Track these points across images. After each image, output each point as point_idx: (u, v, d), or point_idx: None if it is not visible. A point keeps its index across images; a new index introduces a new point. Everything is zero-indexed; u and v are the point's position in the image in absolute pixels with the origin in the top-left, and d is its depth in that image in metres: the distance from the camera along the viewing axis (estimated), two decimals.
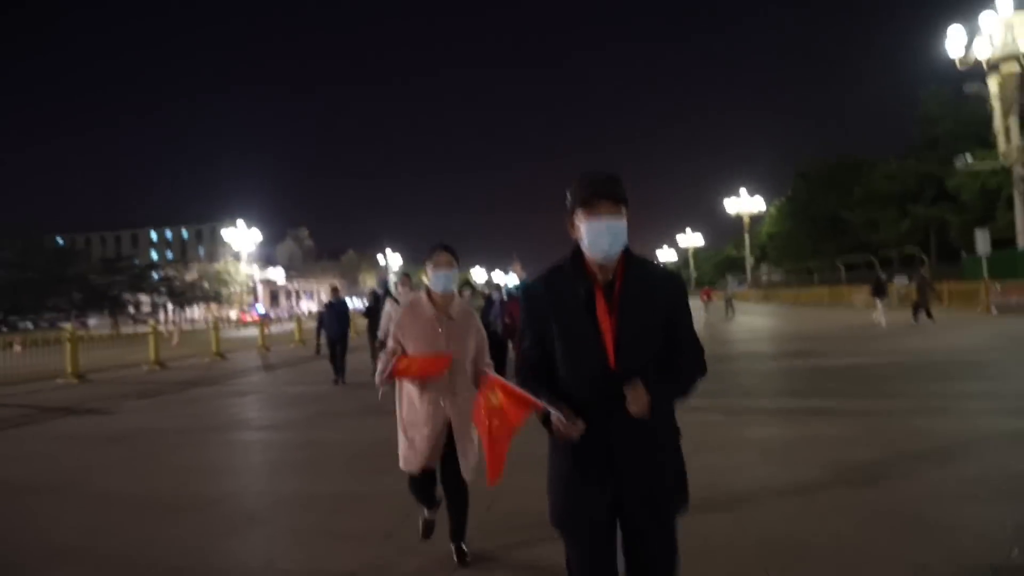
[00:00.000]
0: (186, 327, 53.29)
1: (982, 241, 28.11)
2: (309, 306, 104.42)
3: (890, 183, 49.62)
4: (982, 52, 27.92)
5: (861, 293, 37.47)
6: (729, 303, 35.91)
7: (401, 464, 3.78)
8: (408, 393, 3.77)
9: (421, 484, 3.83)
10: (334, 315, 13.10)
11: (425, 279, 3.79)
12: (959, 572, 3.42)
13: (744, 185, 67.99)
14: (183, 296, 73.55)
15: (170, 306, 76.39)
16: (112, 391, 13.44)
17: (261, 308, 77.47)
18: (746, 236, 69.14)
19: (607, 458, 2.18)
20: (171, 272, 73.17)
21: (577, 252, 2.25)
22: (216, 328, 21.62)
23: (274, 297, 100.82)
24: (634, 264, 2.24)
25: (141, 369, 17.68)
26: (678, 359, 2.23)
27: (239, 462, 7.20)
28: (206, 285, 73.92)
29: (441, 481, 3.80)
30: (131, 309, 70.11)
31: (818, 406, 8.08)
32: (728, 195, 68.94)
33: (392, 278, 14.45)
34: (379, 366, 3.71)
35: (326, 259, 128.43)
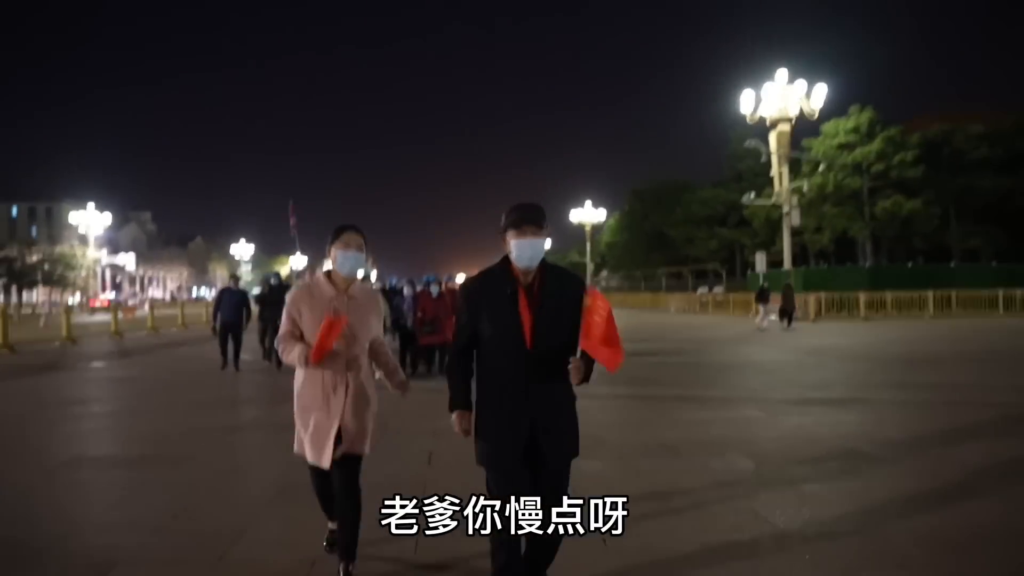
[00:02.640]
0: (25, 312, 51.23)
1: (760, 262, 35.75)
2: (154, 293, 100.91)
3: (703, 207, 57.12)
4: (766, 111, 33.98)
5: (675, 300, 43.75)
6: None
7: (295, 448, 3.52)
8: (301, 375, 3.50)
9: (320, 479, 3.55)
10: (231, 302, 13.16)
11: (328, 262, 3.56)
12: None
13: (586, 197, 73.73)
14: (24, 279, 69.63)
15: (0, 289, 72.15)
16: None
17: (111, 294, 74.90)
18: (587, 244, 75.15)
19: (523, 419, 2.82)
20: (11, 253, 68.97)
21: (506, 260, 2.90)
22: (68, 312, 22.94)
23: (117, 284, 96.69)
24: (550, 271, 2.90)
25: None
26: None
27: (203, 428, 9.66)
28: (46, 267, 70.35)
29: (333, 478, 3.45)
30: None
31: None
32: (572, 205, 74.58)
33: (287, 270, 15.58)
34: (281, 348, 3.41)
35: (174, 245, 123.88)
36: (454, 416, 2.95)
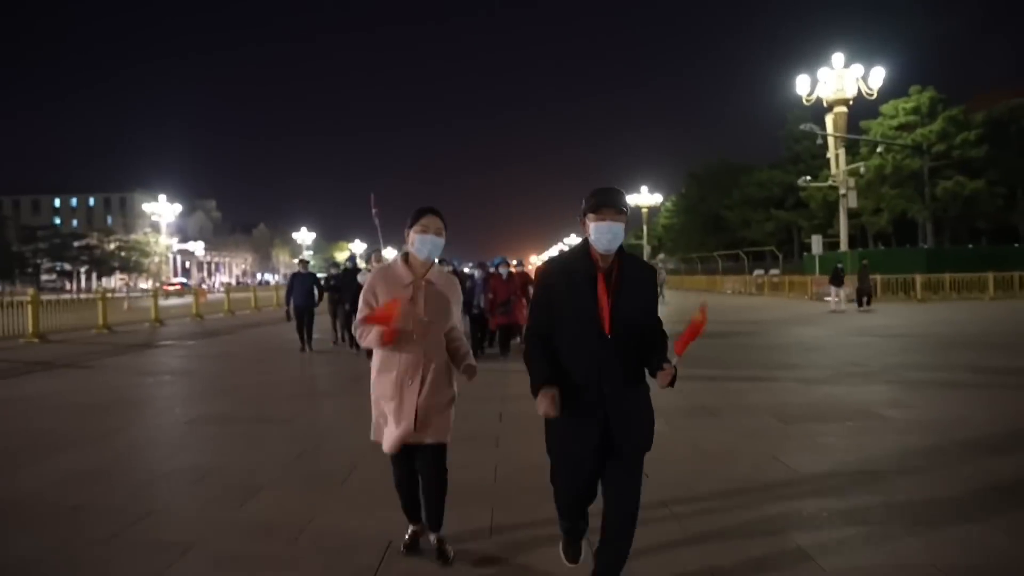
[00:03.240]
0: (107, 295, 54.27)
1: (816, 244, 35.82)
2: (222, 279, 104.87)
3: (760, 189, 56.69)
4: (823, 92, 33.91)
5: (730, 282, 43.93)
6: (660, 288, 40.89)
7: (372, 435, 3.51)
8: (378, 362, 3.48)
9: (400, 469, 3.53)
10: (303, 286, 13.60)
11: (406, 245, 3.47)
12: None
13: (644, 179, 73.89)
14: (103, 265, 73.71)
15: (83, 275, 76.41)
16: (77, 351, 15.17)
17: (182, 278, 78.72)
18: (644, 227, 75.26)
19: (598, 410, 2.78)
20: (92, 241, 73.01)
21: (585, 244, 2.90)
22: (156, 295, 24.82)
23: (186, 269, 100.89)
24: (627, 258, 2.90)
25: (89, 332, 19.32)
26: (656, 335, 2.91)
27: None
28: (123, 255, 74.24)
29: (418, 466, 3.50)
30: (43, 277, 70.03)
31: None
32: (629, 188, 74.85)
33: (350, 256, 15.74)
34: (358, 333, 3.41)
35: (239, 232, 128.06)
36: (539, 396, 2.78)
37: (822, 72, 33.77)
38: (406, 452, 3.45)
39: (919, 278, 29.75)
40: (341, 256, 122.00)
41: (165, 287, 66.94)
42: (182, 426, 7.05)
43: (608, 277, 2.84)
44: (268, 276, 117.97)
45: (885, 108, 42.93)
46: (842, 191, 34.22)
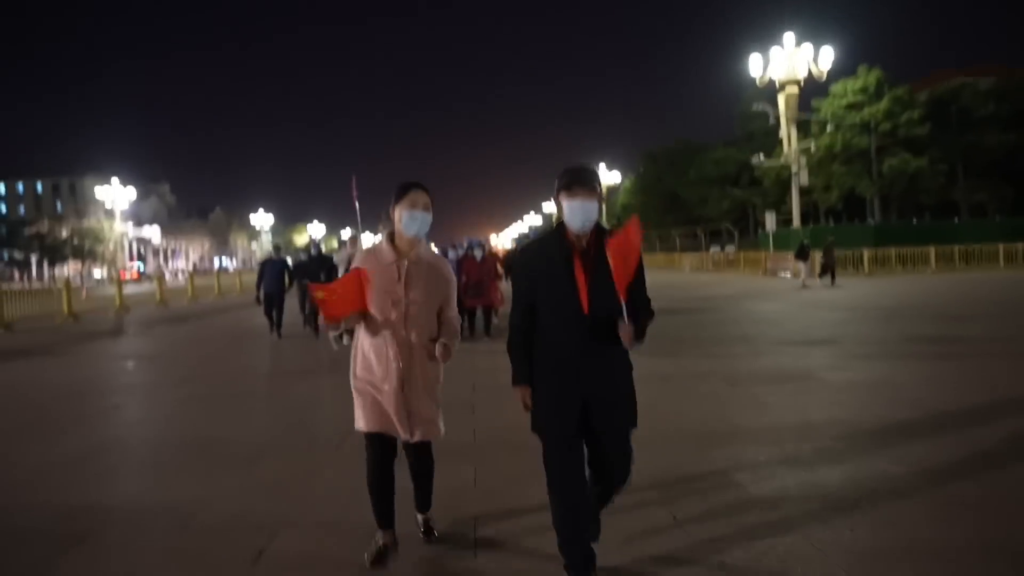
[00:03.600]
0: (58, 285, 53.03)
1: (769, 221, 37.16)
2: (179, 265, 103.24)
3: (715, 168, 58.06)
4: (775, 74, 34.83)
5: (689, 259, 45.08)
6: None
7: (356, 423, 3.29)
8: (361, 345, 3.31)
9: (375, 454, 3.28)
10: (273, 271, 13.68)
11: (395, 220, 3.26)
12: None
13: (601, 159, 74.74)
14: (56, 253, 72.02)
15: (33, 263, 74.63)
16: (49, 339, 15.47)
17: (139, 265, 77.38)
18: (603, 206, 76.13)
19: (578, 387, 2.84)
20: (43, 228, 71.27)
21: (560, 225, 2.90)
22: (120, 283, 24.79)
23: (142, 255, 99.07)
24: (603, 235, 2.86)
25: (55, 321, 19.27)
26: (637, 305, 2.87)
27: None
28: (75, 242, 72.64)
29: (404, 447, 3.33)
30: None
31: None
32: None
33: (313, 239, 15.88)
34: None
35: (195, 217, 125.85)
36: (518, 391, 2.95)
37: (774, 52, 34.70)
38: (386, 440, 3.27)
39: (867, 253, 31.07)
40: (300, 239, 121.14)
41: (122, 274, 65.97)
42: (176, 403, 7.49)
43: (585, 256, 2.85)
44: (226, 261, 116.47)
45: (835, 88, 44.26)
46: (794, 169, 35.35)
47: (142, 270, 77.16)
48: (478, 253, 12.43)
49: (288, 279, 13.95)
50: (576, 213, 2.81)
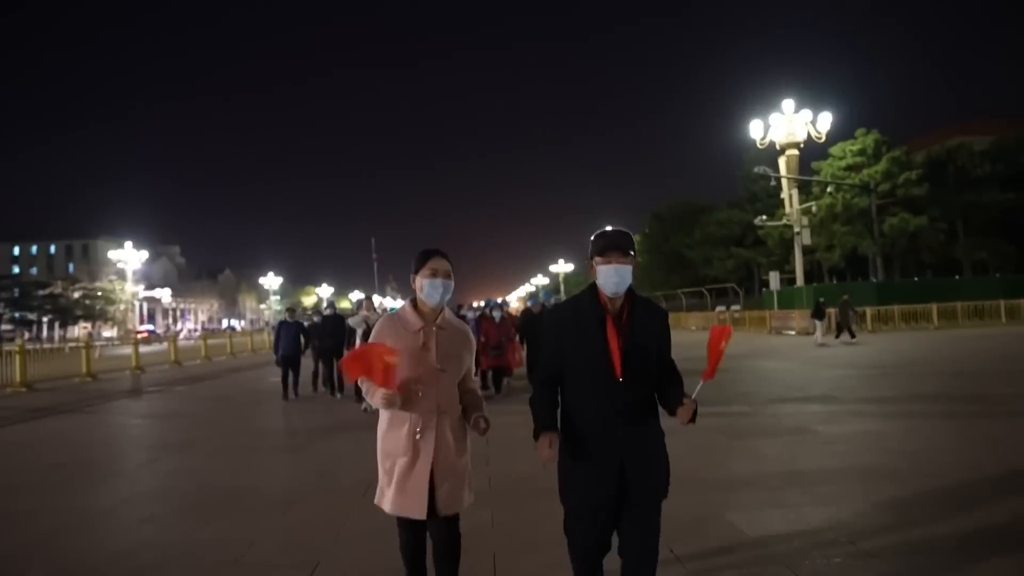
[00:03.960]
0: (68, 344, 53.73)
1: (773, 280, 37.85)
2: (188, 325, 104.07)
3: (720, 228, 59.14)
4: (775, 136, 35.99)
5: (694, 319, 45.59)
6: None
7: (376, 499, 3.22)
8: (386, 417, 3.22)
9: (408, 532, 3.25)
10: (289, 333, 13.77)
11: (416, 288, 3.22)
12: None
13: (607, 221, 76.31)
14: (67, 314, 73.10)
15: (44, 324, 75.55)
16: (71, 398, 16.13)
17: (149, 326, 78.29)
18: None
19: (613, 456, 2.76)
20: (57, 290, 72.50)
21: (593, 287, 2.92)
22: (136, 344, 25.40)
23: (151, 316, 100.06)
24: (637, 300, 2.90)
25: (74, 381, 19.79)
26: (672, 375, 2.93)
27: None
28: (88, 303, 73.75)
29: (428, 525, 3.21)
30: (1, 327, 69.17)
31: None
32: (593, 231, 76.72)
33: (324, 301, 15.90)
34: (364, 388, 3.16)
35: (204, 278, 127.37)
36: (540, 440, 2.78)
37: (774, 117, 35.85)
38: (418, 529, 3.22)
39: (869, 310, 31.52)
40: (308, 300, 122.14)
41: (133, 335, 66.72)
42: (207, 457, 7.95)
43: (617, 320, 2.85)
44: (234, 322, 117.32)
45: (834, 150, 45.39)
46: (796, 229, 36.11)
47: (153, 330, 77.85)
48: (497, 314, 12.49)
49: (304, 341, 13.96)
50: (610, 277, 2.81)
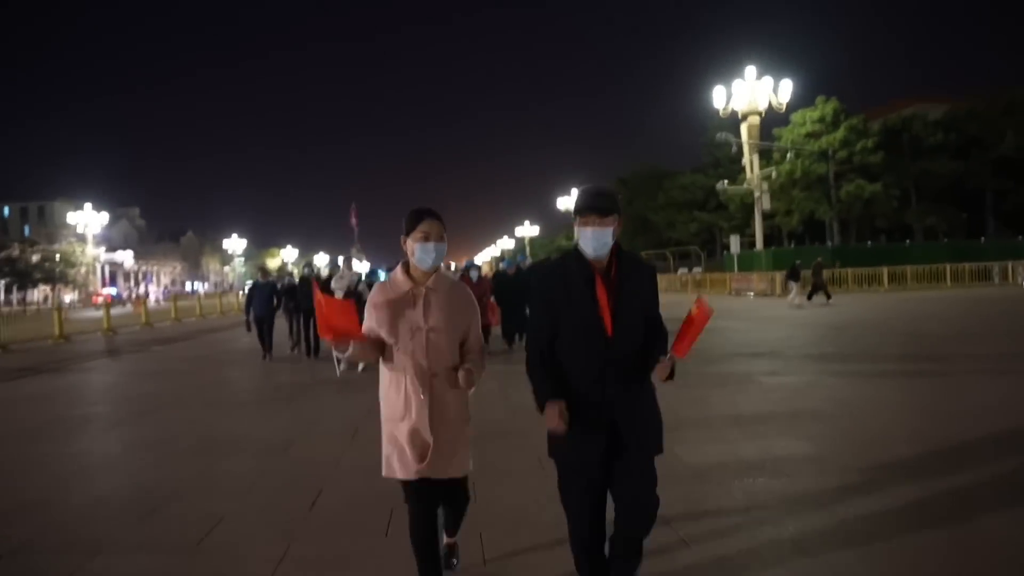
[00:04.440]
0: (31, 309, 53.19)
1: (734, 244, 39.04)
2: (152, 288, 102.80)
3: (683, 192, 60.15)
4: (738, 105, 36.77)
5: (658, 280, 46.62)
6: None
7: (384, 470, 3.07)
8: (384, 380, 3.12)
9: (419, 505, 3.05)
10: (263, 295, 13.65)
11: (407, 252, 3.07)
12: None
13: (573, 184, 76.73)
14: (26, 278, 71.75)
15: (2, 288, 74.13)
16: (49, 358, 17.30)
17: (112, 289, 77.34)
18: (575, 229, 78.16)
19: (604, 413, 2.71)
20: (15, 253, 70.98)
21: (580, 245, 2.80)
22: (108, 307, 25.58)
23: (113, 279, 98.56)
24: (623, 257, 2.82)
25: (47, 343, 20.00)
26: (656, 332, 2.88)
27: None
28: (47, 266, 72.42)
29: (437, 492, 3.11)
30: None
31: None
32: (561, 191, 77.72)
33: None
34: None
35: (166, 240, 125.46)
36: (548, 410, 2.69)
37: (736, 85, 36.59)
38: (427, 487, 3.03)
39: (825, 273, 32.80)
40: (273, 263, 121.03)
41: (94, 299, 65.94)
42: (202, 408, 8.56)
43: (606, 277, 2.77)
44: (198, 285, 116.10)
45: (794, 117, 46.33)
46: (756, 194, 37.16)
47: (118, 295, 76.96)
48: (474, 274, 13.07)
49: (276, 302, 13.90)
50: (588, 241, 2.74)
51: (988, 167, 46.03)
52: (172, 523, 4.42)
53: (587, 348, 2.74)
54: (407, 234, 3.04)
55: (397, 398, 3.03)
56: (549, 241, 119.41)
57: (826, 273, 26.69)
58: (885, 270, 33.21)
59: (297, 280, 14.81)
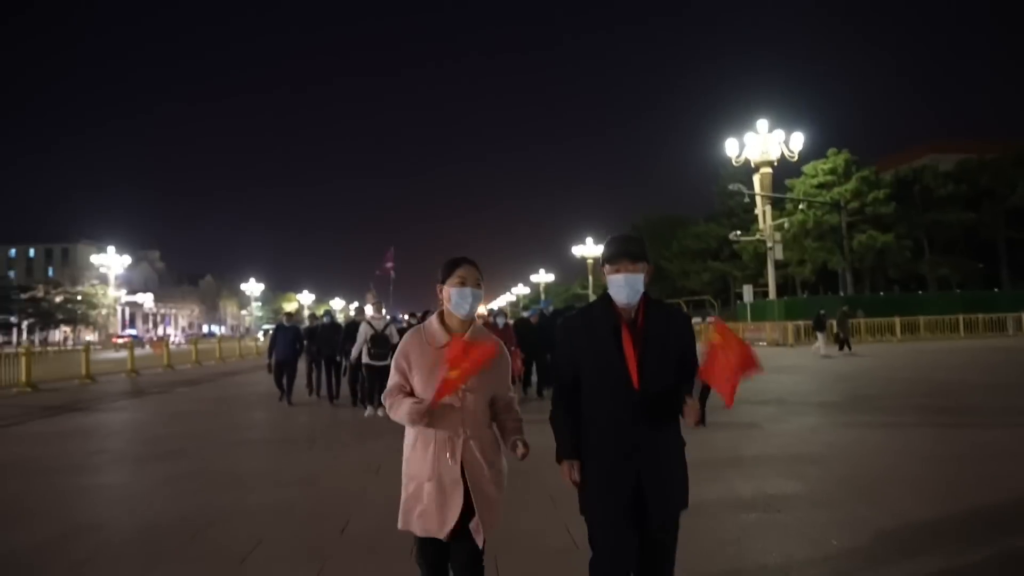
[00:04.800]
0: (51, 348, 54.08)
1: (747, 293, 39.33)
2: (170, 331, 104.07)
3: (697, 241, 60.92)
4: (750, 155, 37.56)
5: None
6: None
7: (400, 524, 2.95)
8: (411, 438, 2.99)
9: (429, 559, 2.97)
10: (286, 338, 13.77)
11: (443, 300, 3.00)
12: None
13: (587, 231, 77.62)
14: (49, 318, 73.23)
15: (24, 328, 75.55)
16: (79, 397, 17.96)
17: (132, 331, 78.66)
18: (590, 277, 78.77)
19: (630, 467, 2.66)
20: (38, 294, 72.60)
21: (606, 294, 2.79)
22: (132, 348, 26.26)
23: (132, 321, 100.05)
24: (652, 305, 2.76)
25: (73, 383, 20.46)
26: (687, 377, 2.73)
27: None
28: (70, 307, 73.93)
29: (451, 558, 2.95)
30: None
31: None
32: (574, 239, 78.56)
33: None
34: (388, 404, 2.96)
35: (185, 283, 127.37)
36: (563, 467, 2.79)
37: (748, 136, 37.41)
38: (441, 547, 2.93)
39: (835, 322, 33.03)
40: (289, 306, 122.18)
41: (114, 339, 67.04)
42: (230, 447, 9.04)
43: (632, 326, 2.73)
44: (215, 328, 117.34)
45: (806, 168, 47.21)
46: (769, 244, 37.69)
47: (136, 336, 78.10)
48: (500, 321, 12.96)
49: (301, 347, 14.00)
50: (620, 288, 2.73)
51: (1001, 217, 46.55)
52: (218, 543, 4.89)
53: (612, 400, 2.71)
54: (443, 281, 3.00)
55: (424, 458, 2.90)
56: (564, 288, 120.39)
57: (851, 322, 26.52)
58: (898, 320, 33.40)
59: (320, 323, 14.96)
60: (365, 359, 11.37)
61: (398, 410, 2.91)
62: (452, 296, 2.96)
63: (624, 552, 2.74)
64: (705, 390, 2.75)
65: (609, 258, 2.76)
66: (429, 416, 2.81)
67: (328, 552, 4.62)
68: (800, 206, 46.58)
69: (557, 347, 2.91)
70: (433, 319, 3.04)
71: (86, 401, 15.41)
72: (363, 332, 11.43)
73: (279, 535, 5.04)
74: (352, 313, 15.34)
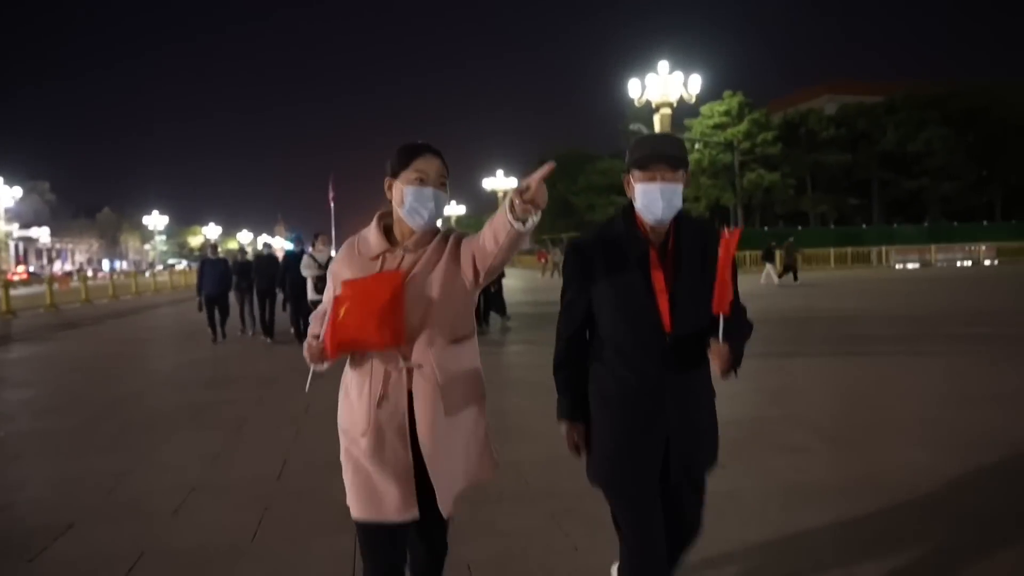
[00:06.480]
0: None
1: None
2: (63, 266, 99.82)
3: (602, 176, 63.35)
4: (651, 96, 39.65)
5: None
6: (556, 267, 42.39)
7: (348, 499, 2.11)
8: (343, 382, 2.21)
9: (373, 544, 2.10)
10: (215, 273, 12.80)
11: (394, 202, 2.14)
12: None
13: (497, 165, 78.77)
14: None
15: None
16: (10, 329, 18.32)
17: (30, 267, 75.39)
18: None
19: (661, 425, 2.13)
20: None
21: (629, 209, 2.17)
22: (51, 283, 26.37)
23: (25, 257, 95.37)
24: (684, 224, 2.15)
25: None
26: (735, 322, 2.08)
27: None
28: None
29: (411, 546, 2.24)
30: None
31: None
32: (483, 172, 79.89)
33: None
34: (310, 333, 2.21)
35: (83, 217, 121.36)
36: (565, 431, 2.27)
37: (650, 77, 39.43)
38: (391, 538, 2.11)
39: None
40: (195, 240, 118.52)
41: (9, 276, 64.39)
42: (191, 362, 10.53)
43: (663, 253, 2.15)
44: (117, 263, 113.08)
45: (704, 109, 49.97)
46: None
47: (33, 271, 75.04)
48: None
49: (229, 281, 13.20)
50: (654, 201, 2.08)
51: (874, 159, 50.91)
52: (144, 493, 5.42)
53: (638, 344, 2.16)
54: (395, 175, 2.13)
55: (355, 405, 2.14)
56: (476, 220, 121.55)
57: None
58: (778, 253, 36.83)
59: (252, 258, 14.42)
60: (311, 295, 10.67)
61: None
62: (406, 197, 2.09)
63: (659, 525, 2.23)
64: (742, 328, 2.18)
65: (640, 162, 2.12)
66: (321, 362, 2.11)
67: (267, 499, 4.31)
68: (696, 145, 49.54)
69: (564, 277, 2.29)
70: (372, 226, 2.22)
71: (23, 333, 16.17)
72: (307, 264, 10.55)
73: (212, 481, 4.76)
74: (260, 247, 14.94)
